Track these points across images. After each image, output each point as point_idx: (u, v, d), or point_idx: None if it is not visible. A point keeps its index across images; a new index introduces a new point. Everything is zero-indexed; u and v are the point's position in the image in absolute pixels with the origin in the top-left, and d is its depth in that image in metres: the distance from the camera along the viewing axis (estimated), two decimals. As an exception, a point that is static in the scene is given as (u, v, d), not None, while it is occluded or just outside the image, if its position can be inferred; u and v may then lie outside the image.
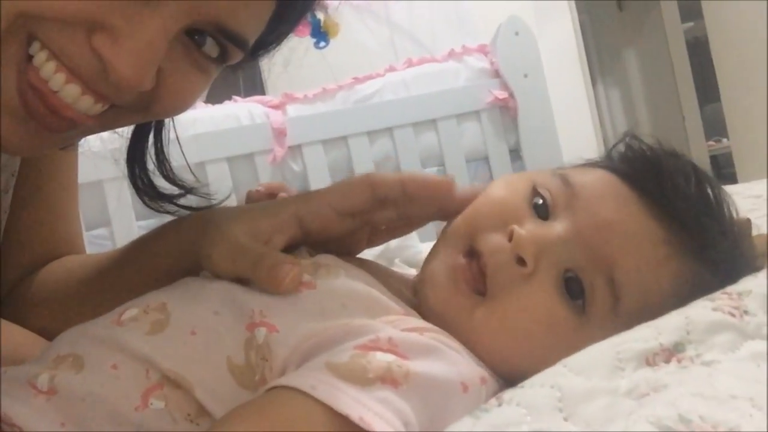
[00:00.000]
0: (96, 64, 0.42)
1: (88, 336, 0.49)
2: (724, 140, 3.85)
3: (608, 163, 0.56)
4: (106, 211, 1.94)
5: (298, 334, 0.45)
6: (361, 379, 0.40)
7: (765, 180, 1.10)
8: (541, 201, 0.52)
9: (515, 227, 0.50)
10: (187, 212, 0.61)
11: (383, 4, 2.87)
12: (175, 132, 0.64)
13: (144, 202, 0.63)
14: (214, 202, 0.62)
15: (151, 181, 0.62)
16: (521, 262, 0.49)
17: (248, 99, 2.26)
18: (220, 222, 0.54)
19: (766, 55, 2.35)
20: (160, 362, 0.45)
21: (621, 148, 0.57)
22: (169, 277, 0.54)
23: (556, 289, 0.48)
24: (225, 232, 0.52)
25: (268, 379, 0.44)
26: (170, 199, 0.62)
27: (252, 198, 0.64)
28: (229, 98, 2.31)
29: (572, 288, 0.49)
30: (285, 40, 0.55)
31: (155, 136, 0.62)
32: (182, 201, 0.63)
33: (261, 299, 0.48)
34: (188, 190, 0.63)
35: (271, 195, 0.63)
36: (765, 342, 0.41)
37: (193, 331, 0.47)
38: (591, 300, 0.49)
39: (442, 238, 0.55)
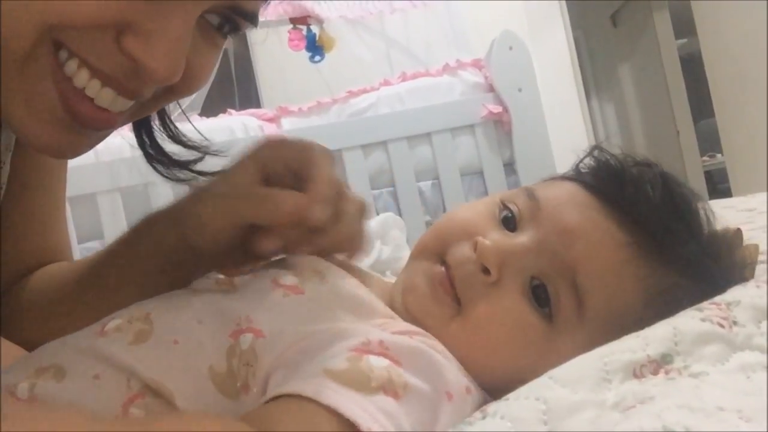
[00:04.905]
0: (126, 63, 0.44)
1: (70, 347, 0.48)
2: (719, 155, 3.86)
3: (574, 175, 0.58)
4: (99, 224, 1.93)
5: (285, 339, 0.45)
6: (366, 387, 0.40)
7: (759, 194, 1.10)
8: (509, 214, 0.54)
9: (479, 238, 0.52)
10: (202, 178, 0.62)
11: (379, 19, 2.89)
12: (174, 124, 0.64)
13: (157, 171, 0.64)
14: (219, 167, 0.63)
15: (159, 146, 0.63)
16: (486, 271, 0.50)
17: (243, 112, 2.27)
18: (202, 191, 0.55)
19: (760, 71, 2.36)
20: (142, 371, 0.45)
21: (588, 160, 0.58)
22: (160, 268, 0.55)
23: (523, 296, 0.50)
24: (212, 192, 0.54)
25: (251, 385, 0.44)
26: (183, 164, 0.63)
27: None
28: (224, 111, 2.31)
29: (539, 296, 0.50)
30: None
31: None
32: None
33: (248, 305, 0.48)
34: (200, 150, 0.64)
35: None
36: (754, 353, 0.41)
37: (175, 340, 0.47)
38: (557, 306, 0.50)
39: (412, 255, 0.57)
